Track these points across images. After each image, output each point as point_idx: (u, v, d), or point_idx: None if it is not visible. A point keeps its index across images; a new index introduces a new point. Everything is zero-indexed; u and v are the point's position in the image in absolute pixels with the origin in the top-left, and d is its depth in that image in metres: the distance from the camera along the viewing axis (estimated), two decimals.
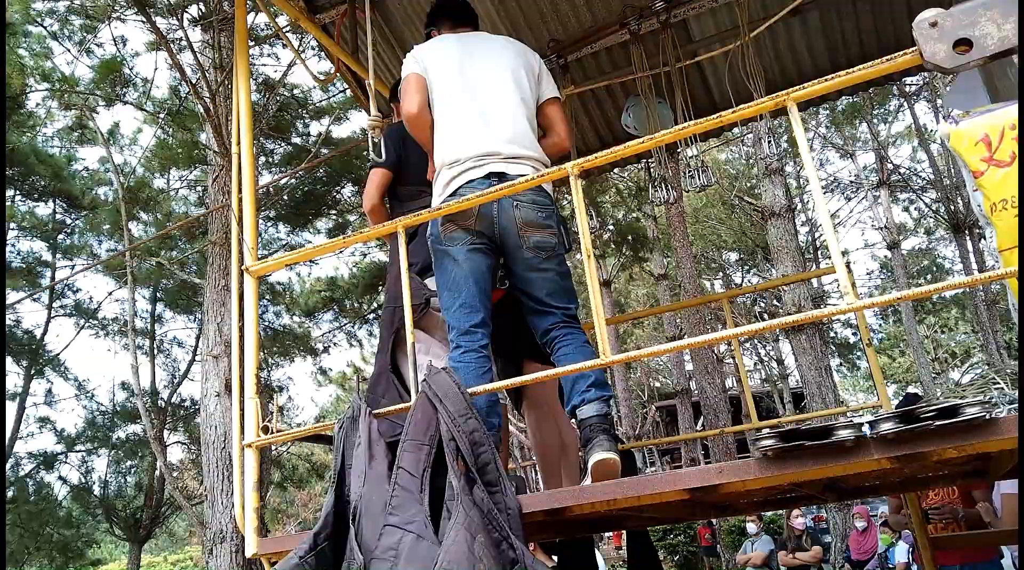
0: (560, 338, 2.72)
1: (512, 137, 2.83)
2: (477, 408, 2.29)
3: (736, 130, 14.55)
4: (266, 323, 16.67)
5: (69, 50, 12.27)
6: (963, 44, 2.06)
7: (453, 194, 2.77)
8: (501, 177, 2.74)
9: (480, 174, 2.76)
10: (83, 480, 17.53)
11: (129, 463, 18.10)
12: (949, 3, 4.05)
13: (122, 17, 11.24)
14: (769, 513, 14.28)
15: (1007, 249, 2.01)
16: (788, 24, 4.59)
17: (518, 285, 2.81)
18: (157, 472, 16.12)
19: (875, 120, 19.31)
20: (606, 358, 2.26)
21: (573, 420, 2.71)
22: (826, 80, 2.16)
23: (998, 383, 2.00)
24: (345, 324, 17.40)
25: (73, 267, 16.75)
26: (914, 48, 2.10)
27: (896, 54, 2.14)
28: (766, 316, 21.49)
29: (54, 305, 17.16)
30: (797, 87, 2.19)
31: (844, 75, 2.16)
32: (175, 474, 17.15)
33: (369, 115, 3.57)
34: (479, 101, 2.90)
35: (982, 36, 2.03)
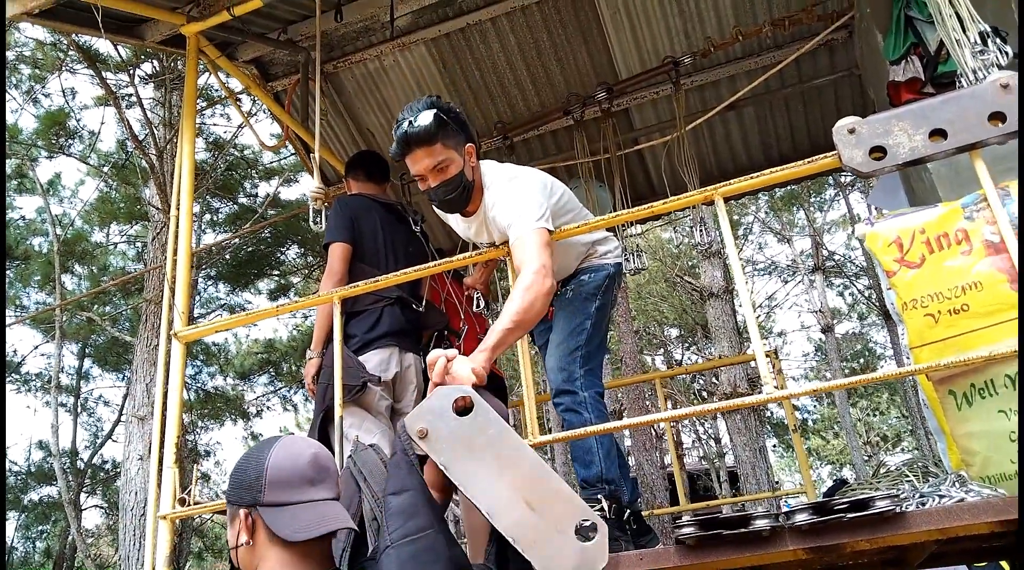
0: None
1: None
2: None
3: (678, 213, 14.96)
4: (198, 384, 16.18)
5: (15, 98, 12.09)
6: (878, 151, 2.19)
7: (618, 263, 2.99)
8: None
9: None
10: None
11: (40, 528, 17.11)
12: (869, 110, 4.30)
13: (72, 70, 11.17)
14: None
15: (917, 347, 2.10)
16: (724, 118, 4.81)
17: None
18: (69, 538, 15.26)
19: (812, 208, 20.01)
20: (534, 438, 2.26)
21: None
22: (751, 178, 2.27)
23: (909, 477, 2.06)
24: (280, 388, 16.98)
25: None
26: (834, 152, 2.23)
27: (817, 157, 2.26)
28: (705, 394, 21.71)
29: None
30: (725, 182, 2.30)
31: (768, 174, 2.27)
32: (89, 541, 16.24)
33: (314, 183, 3.60)
34: None
35: (895, 145, 2.16)
